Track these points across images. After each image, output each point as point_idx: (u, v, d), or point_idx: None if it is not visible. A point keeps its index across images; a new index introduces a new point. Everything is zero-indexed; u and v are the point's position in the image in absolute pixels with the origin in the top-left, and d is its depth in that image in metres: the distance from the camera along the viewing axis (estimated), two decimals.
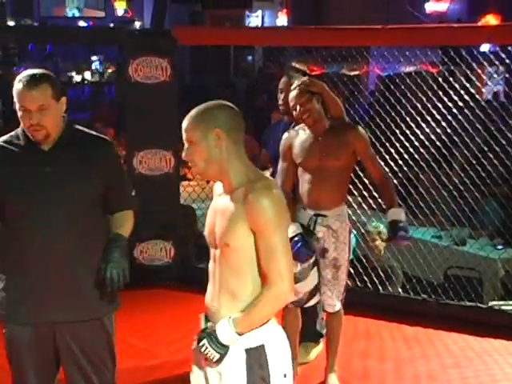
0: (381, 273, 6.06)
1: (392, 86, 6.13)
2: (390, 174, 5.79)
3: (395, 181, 6.14)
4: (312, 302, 4.64)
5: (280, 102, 4.96)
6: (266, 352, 2.61)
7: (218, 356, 2.54)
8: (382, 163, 6.00)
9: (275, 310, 2.61)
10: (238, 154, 2.60)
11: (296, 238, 4.31)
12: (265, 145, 5.42)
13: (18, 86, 3.01)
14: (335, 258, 4.46)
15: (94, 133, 3.27)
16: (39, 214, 3.04)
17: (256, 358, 2.61)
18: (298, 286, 4.38)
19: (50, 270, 3.06)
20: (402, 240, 4.23)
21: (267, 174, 5.60)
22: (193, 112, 2.62)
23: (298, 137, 4.47)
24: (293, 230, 4.35)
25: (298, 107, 4.37)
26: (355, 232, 6.50)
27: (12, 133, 3.22)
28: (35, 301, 3.07)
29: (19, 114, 3.02)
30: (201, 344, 2.56)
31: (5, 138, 3.20)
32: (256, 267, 2.57)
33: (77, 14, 17.99)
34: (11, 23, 14.21)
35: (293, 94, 4.45)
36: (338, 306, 4.57)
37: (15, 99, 3.04)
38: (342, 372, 4.74)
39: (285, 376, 2.67)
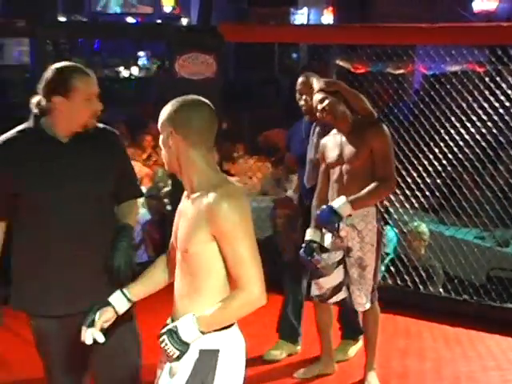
0: (422, 272, 6.03)
1: (437, 86, 6.08)
2: (434, 175, 5.74)
3: (438, 180, 6.17)
4: (335, 299, 4.67)
5: (302, 102, 4.95)
6: (218, 358, 2.58)
7: (177, 353, 2.52)
8: (426, 162, 6.05)
9: (244, 314, 2.57)
10: (199, 156, 2.55)
11: (303, 244, 4.48)
12: (288, 147, 5.45)
13: (82, 75, 3.04)
14: (360, 257, 4.49)
15: (101, 124, 3.27)
16: (65, 209, 3.06)
17: (206, 361, 2.58)
18: (321, 281, 4.56)
19: (75, 263, 3.09)
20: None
21: (294, 177, 5.58)
22: (170, 102, 2.61)
23: (330, 140, 4.54)
24: (308, 234, 4.51)
25: (318, 107, 4.46)
26: (396, 231, 6.58)
27: (20, 128, 3.20)
28: (60, 294, 3.10)
29: (80, 103, 2.99)
30: (161, 339, 2.54)
31: (15, 134, 3.18)
32: (214, 274, 2.54)
33: (118, 11, 18.32)
34: (62, 19, 14.46)
35: (314, 97, 4.54)
36: (368, 305, 4.58)
37: (73, 90, 3.01)
38: (381, 370, 4.76)
39: None
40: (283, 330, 5.28)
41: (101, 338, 2.76)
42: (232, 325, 2.61)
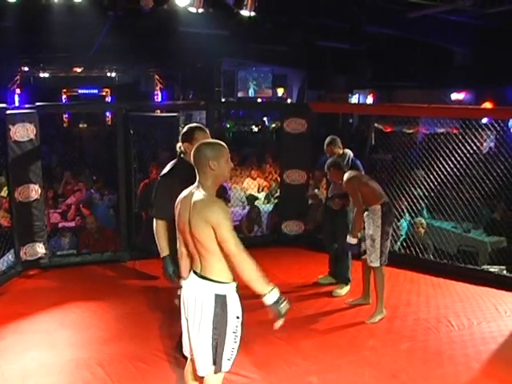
0: (421, 246, 6.20)
1: (432, 139, 6.24)
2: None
3: (432, 194, 6.29)
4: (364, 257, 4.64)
5: (325, 148, 5.28)
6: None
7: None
8: (425, 183, 6.16)
9: None
10: None
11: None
12: (319, 168, 5.53)
13: (200, 131, 3.18)
14: (371, 234, 4.54)
15: None
16: None
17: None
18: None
19: None
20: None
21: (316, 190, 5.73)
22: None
23: None
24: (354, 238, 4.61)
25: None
26: (407, 222, 6.70)
27: (175, 160, 3.25)
28: None
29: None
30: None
31: (176, 161, 3.25)
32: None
33: (253, 95, 19.34)
34: (223, 100, 15.81)
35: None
36: (376, 264, 4.51)
37: (194, 139, 3.08)
38: (391, 302, 4.87)
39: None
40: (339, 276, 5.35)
41: None
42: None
